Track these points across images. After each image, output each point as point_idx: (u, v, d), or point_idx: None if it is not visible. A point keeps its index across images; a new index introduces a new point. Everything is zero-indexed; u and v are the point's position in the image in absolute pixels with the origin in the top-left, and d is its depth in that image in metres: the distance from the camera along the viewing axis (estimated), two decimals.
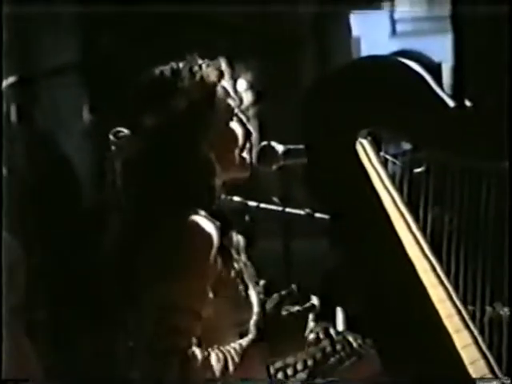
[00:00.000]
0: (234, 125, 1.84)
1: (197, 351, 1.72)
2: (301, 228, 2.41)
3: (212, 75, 1.81)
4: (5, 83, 4.15)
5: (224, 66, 1.83)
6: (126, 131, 1.84)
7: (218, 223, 1.77)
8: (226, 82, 1.83)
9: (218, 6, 4.48)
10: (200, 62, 1.82)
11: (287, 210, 2.27)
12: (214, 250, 1.75)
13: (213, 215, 1.79)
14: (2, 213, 2.45)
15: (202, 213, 1.77)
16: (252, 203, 2.16)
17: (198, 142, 1.78)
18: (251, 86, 1.98)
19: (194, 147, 1.78)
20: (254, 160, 1.98)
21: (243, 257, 1.85)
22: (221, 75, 1.82)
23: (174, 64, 1.82)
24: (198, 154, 1.78)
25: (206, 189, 1.79)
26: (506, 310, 1.88)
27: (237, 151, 1.84)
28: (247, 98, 1.93)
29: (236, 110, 1.84)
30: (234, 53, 1.94)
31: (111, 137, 1.84)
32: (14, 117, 4.13)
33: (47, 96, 4.55)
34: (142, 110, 1.80)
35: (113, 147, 1.85)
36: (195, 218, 1.76)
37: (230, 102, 1.83)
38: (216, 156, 1.79)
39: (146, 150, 1.80)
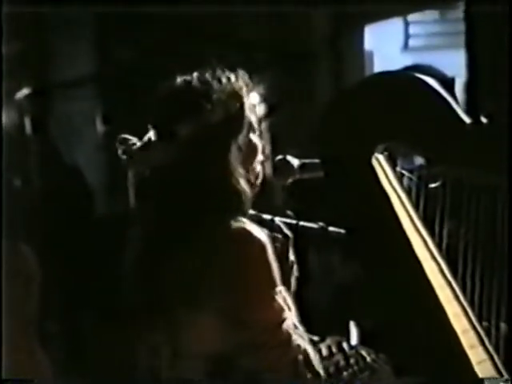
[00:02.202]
0: (254, 137, 1.87)
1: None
2: (314, 241, 2.42)
3: (244, 88, 1.84)
4: (19, 94, 4.18)
5: (247, 79, 1.86)
6: (133, 139, 1.86)
7: (265, 229, 1.80)
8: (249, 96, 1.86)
9: (227, 6, 4.49)
10: (226, 73, 1.85)
11: (301, 223, 2.27)
12: (270, 255, 1.77)
13: None
14: (3, 221, 2.47)
15: (244, 220, 1.79)
16: (267, 216, 2.16)
17: (230, 153, 1.81)
18: (264, 99, 1.99)
19: (225, 158, 1.80)
20: (269, 173, 1.99)
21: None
22: (248, 88, 1.85)
23: (199, 75, 1.84)
24: (228, 164, 1.80)
25: (237, 199, 1.81)
26: None
27: (256, 162, 1.87)
28: (259, 110, 1.94)
29: (256, 123, 1.87)
30: (246, 66, 1.96)
31: (120, 145, 1.85)
32: (28, 128, 4.15)
33: (61, 108, 4.57)
34: (175, 120, 1.81)
35: (123, 155, 1.86)
36: (242, 224, 1.78)
37: (251, 114, 1.86)
38: (241, 166, 1.83)
39: (179, 159, 1.81)
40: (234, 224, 1.78)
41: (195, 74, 1.84)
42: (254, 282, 1.75)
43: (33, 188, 3.86)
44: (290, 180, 2.09)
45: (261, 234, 1.78)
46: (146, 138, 1.85)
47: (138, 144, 1.84)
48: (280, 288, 1.77)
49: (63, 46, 4.62)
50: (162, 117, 1.85)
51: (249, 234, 1.77)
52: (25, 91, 4.23)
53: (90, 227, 3.75)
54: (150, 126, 1.86)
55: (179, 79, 1.85)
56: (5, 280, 2.47)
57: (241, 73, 1.86)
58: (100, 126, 4.60)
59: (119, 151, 1.83)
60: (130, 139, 1.84)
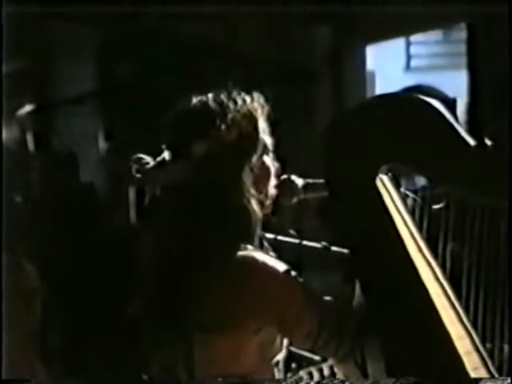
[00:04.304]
0: (267, 159, 1.90)
1: None
2: (316, 261, 2.42)
3: (259, 109, 1.86)
4: (22, 111, 4.20)
5: (262, 100, 1.88)
6: (147, 158, 1.88)
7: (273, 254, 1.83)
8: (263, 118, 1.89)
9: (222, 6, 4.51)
10: (242, 95, 1.87)
11: (304, 242, 2.27)
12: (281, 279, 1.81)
13: None
14: (3, 235, 2.48)
15: (250, 247, 1.82)
16: (269, 235, 2.16)
17: (243, 173, 1.82)
18: (268, 118, 2.00)
19: (238, 177, 1.82)
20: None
21: None
22: (262, 110, 1.87)
23: (215, 95, 1.86)
24: (241, 184, 1.82)
25: (250, 221, 1.83)
26: None
27: (268, 184, 1.89)
28: (267, 129, 1.95)
29: (270, 145, 1.90)
30: (248, 84, 1.98)
31: (134, 164, 1.87)
32: (30, 144, 4.16)
33: (64, 124, 4.58)
34: (189, 138, 1.83)
35: (137, 174, 1.87)
36: (252, 253, 1.80)
37: (265, 137, 1.89)
38: (253, 187, 1.84)
39: (193, 178, 1.82)
40: (243, 251, 1.80)
41: (210, 95, 1.86)
42: (268, 304, 1.77)
43: (35, 204, 3.86)
44: (294, 200, 2.10)
45: (269, 258, 1.81)
46: (160, 158, 1.87)
47: (152, 163, 1.86)
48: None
49: (66, 63, 4.64)
50: (175, 135, 1.87)
51: (256, 259, 1.80)
52: (27, 108, 4.24)
53: (92, 243, 3.74)
54: (163, 146, 1.87)
55: (194, 99, 1.87)
56: (6, 295, 2.47)
57: (256, 95, 1.88)
58: (102, 143, 4.62)
59: (133, 170, 1.85)
60: (144, 158, 1.86)
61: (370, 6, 4.52)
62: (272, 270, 1.81)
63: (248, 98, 1.86)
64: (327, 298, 1.95)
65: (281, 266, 1.84)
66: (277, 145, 1.99)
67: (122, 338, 1.87)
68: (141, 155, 1.87)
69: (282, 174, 2.07)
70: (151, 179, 1.84)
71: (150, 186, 1.84)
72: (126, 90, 4.77)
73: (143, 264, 1.86)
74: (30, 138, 4.17)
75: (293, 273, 1.86)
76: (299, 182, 2.09)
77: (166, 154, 1.84)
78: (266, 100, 1.89)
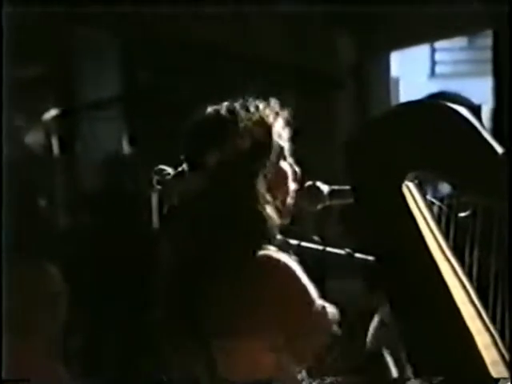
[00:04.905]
0: (284, 164, 1.89)
1: None
2: (339, 267, 2.41)
3: (271, 116, 1.85)
4: (47, 116, 4.22)
5: (278, 107, 1.87)
6: (168, 169, 1.88)
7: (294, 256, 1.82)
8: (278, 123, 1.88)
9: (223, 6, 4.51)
10: (256, 102, 1.87)
11: (328, 249, 2.27)
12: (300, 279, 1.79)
13: None
14: (3, 230, 2.50)
15: (272, 248, 1.81)
16: (293, 241, 2.16)
17: (257, 180, 1.82)
18: (288, 123, 2.00)
19: (251, 184, 1.81)
20: (299, 200, 1.99)
21: None
22: (276, 116, 1.86)
23: (229, 104, 1.86)
24: (254, 191, 1.81)
25: (262, 225, 1.82)
26: None
27: (286, 191, 1.89)
28: (284, 135, 1.95)
29: (286, 151, 1.89)
30: (271, 90, 1.97)
31: (155, 175, 1.88)
32: (55, 149, 4.18)
33: (88, 128, 4.60)
34: (203, 148, 1.83)
35: (157, 185, 1.88)
36: (269, 251, 1.79)
37: (281, 142, 1.88)
38: (269, 194, 1.84)
39: (208, 187, 1.82)
40: (261, 251, 1.79)
41: (225, 104, 1.86)
42: (287, 307, 1.76)
43: (59, 207, 3.88)
44: (319, 206, 2.09)
45: (288, 259, 1.80)
46: (180, 168, 1.88)
47: (171, 174, 1.87)
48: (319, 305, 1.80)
49: (90, 69, 4.66)
50: (190, 146, 1.87)
51: (275, 260, 1.79)
52: (52, 112, 4.26)
53: (114, 249, 3.76)
54: (182, 157, 1.88)
55: (209, 108, 1.87)
56: (28, 299, 2.49)
57: (272, 101, 1.88)
58: (126, 147, 4.63)
59: (154, 181, 1.86)
60: (165, 170, 1.86)
61: (395, 12, 4.51)
62: (289, 280, 1.79)
63: (261, 105, 1.86)
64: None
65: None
66: (300, 151, 1.98)
67: (141, 342, 1.88)
68: (162, 166, 1.88)
69: (307, 180, 2.06)
70: (170, 190, 1.84)
71: (169, 197, 1.85)
72: (147, 96, 4.79)
73: (163, 270, 1.87)
74: (55, 141, 4.19)
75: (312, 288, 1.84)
76: (325, 188, 2.09)
77: (185, 165, 1.85)
78: (282, 106, 1.88)
